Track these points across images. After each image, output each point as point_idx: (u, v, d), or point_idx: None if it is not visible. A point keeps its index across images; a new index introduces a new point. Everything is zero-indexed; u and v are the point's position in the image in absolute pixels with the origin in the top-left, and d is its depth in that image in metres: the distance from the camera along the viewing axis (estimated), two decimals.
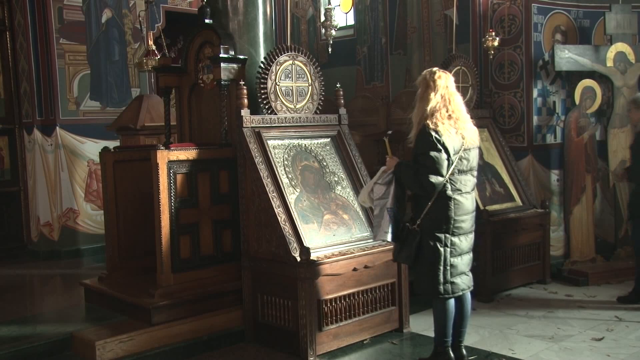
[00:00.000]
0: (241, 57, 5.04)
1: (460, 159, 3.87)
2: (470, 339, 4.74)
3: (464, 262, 3.99)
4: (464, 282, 4.00)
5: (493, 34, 6.30)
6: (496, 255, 5.82)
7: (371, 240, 4.85)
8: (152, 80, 8.06)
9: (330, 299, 4.50)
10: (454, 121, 3.90)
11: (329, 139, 5.20)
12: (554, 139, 6.74)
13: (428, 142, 3.77)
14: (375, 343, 4.72)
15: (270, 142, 4.82)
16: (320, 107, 5.17)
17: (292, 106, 5.00)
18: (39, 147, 7.34)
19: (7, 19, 7.54)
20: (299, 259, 4.33)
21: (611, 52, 6.56)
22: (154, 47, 6.51)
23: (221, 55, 4.88)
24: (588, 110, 6.53)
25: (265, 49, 5.26)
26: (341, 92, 5.32)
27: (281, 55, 4.91)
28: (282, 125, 4.93)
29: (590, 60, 6.54)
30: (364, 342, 4.71)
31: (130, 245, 5.30)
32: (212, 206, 4.89)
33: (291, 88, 4.99)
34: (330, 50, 5.61)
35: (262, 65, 4.89)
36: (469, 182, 3.96)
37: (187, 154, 4.73)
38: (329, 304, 4.49)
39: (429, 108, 3.87)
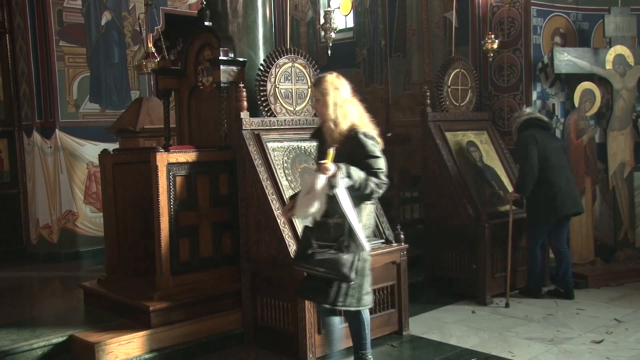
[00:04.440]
0: (241, 59, 5.04)
1: None
2: (470, 341, 4.75)
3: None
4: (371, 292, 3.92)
5: (492, 36, 6.31)
6: (495, 257, 5.81)
7: (370, 243, 4.84)
8: (152, 82, 8.06)
9: None
10: (372, 126, 3.85)
11: None
12: None
13: (374, 145, 3.72)
14: (374, 346, 4.70)
15: (270, 145, 4.82)
16: None
17: (291, 108, 5.00)
18: (38, 149, 7.35)
19: (6, 22, 7.54)
20: None
21: (610, 54, 6.56)
22: (153, 50, 6.52)
23: (221, 57, 4.88)
24: (587, 112, 6.54)
25: (264, 51, 5.26)
26: None
27: (281, 57, 4.92)
28: (282, 127, 4.93)
29: (589, 62, 6.55)
30: None
31: (129, 248, 5.30)
32: (211, 209, 4.88)
33: (290, 90, 5.00)
34: (329, 52, 5.61)
35: (261, 67, 4.89)
36: None
37: (187, 156, 4.73)
38: None
39: (356, 112, 3.81)
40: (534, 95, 6.64)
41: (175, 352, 4.45)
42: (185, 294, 4.66)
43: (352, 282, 3.68)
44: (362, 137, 3.72)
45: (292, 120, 4.98)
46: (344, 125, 3.75)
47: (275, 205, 4.52)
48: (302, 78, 5.06)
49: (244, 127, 4.74)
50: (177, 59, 5.62)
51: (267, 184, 4.59)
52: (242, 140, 4.73)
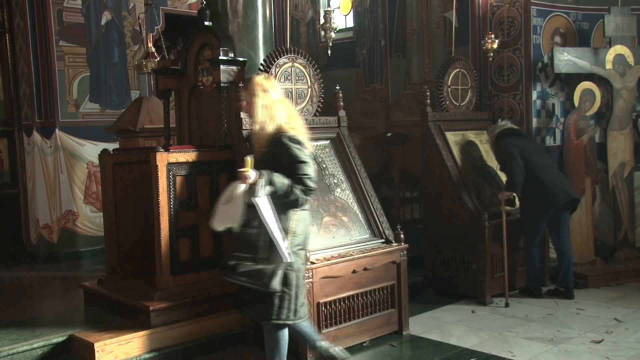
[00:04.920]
0: (241, 59, 5.04)
1: None
2: (470, 341, 4.75)
3: None
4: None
5: (492, 36, 6.32)
6: (495, 257, 5.81)
7: (371, 243, 4.86)
8: (152, 82, 8.06)
9: (330, 301, 4.49)
10: (302, 130, 3.74)
11: (328, 141, 5.20)
12: (553, 142, 6.75)
13: (300, 149, 3.59)
14: (374, 345, 4.72)
15: None
16: (319, 110, 5.17)
17: None
18: (38, 149, 7.34)
19: (6, 21, 7.54)
20: None
21: (610, 54, 6.56)
22: (153, 50, 6.52)
23: (221, 57, 4.88)
24: (587, 112, 6.54)
25: (264, 51, 5.26)
26: (340, 95, 5.32)
27: (281, 57, 4.92)
28: None
29: (589, 62, 6.55)
30: (364, 344, 4.70)
31: (129, 248, 5.30)
32: (211, 208, 4.87)
33: (290, 90, 4.99)
34: (329, 52, 5.61)
35: (261, 67, 4.89)
36: None
37: (187, 156, 4.72)
38: (328, 307, 4.49)
39: (282, 116, 3.67)
40: (534, 95, 6.64)
41: (175, 352, 4.45)
42: (185, 294, 4.66)
43: (280, 294, 3.55)
44: (286, 140, 3.59)
45: None
46: (270, 128, 3.63)
47: None
48: (302, 78, 5.06)
49: (243, 127, 4.73)
50: (177, 59, 5.62)
51: None
52: (242, 140, 4.72)
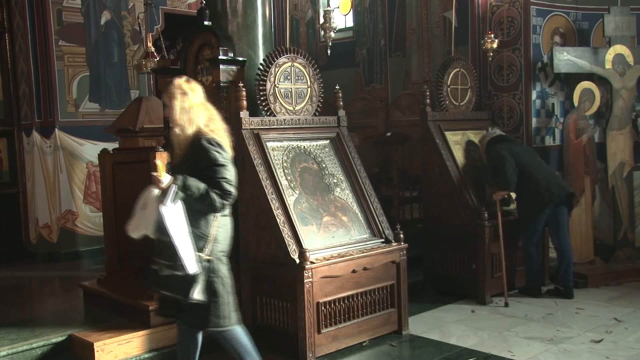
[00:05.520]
0: (240, 59, 5.04)
1: None
2: (469, 341, 4.75)
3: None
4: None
5: (492, 36, 6.32)
6: (495, 257, 5.81)
7: (370, 243, 4.86)
8: (151, 82, 8.06)
9: (329, 301, 4.50)
10: (223, 134, 3.62)
11: (328, 141, 5.20)
12: (552, 141, 6.75)
13: (219, 152, 3.48)
14: (374, 345, 4.72)
15: (269, 144, 4.82)
16: (319, 109, 5.18)
17: (291, 108, 5.00)
18: (37, 149, 7.34)
19: (6, 21, 7.54)
20: (297, 261, 4.33)
21: (610, 54, 6.56)
22: (153, 49, 6.51)
23: (220, 57, 4.88)
24: (587, 112, 6.54)
25: (264, 51, 5.26)
26: (340, 94, 5.32)
27: (280, 57, 4.92)
28: (281, 127, 4.93)
29: (588, 62, 6.55)
30: (363, 344, 4.70)
31: (129, 247, 5.29)
32: None
33: (290, 90, 4.99)
34: (329, 52, 5.61)
35: (261, 67, 4.89)
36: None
37: None
38: (327, 306, 4.49)
39: (201, 119, 3.55)
40: (534, 95, 6.65)
41: (174, 352, 4.43)
42: None
43: (208, 302, 3.46)
44: (205, 143, 3.48)
45: (291, 119, 4.98)
46: (189, 131, 3.53)
47: (274, 204, 4.53)
48: (302, 77, 5.06)
49: (243, 127, 4.74)
50: (177, 59, 5.63)
51: (266, 184, 4.60)
52: (241, 139, 4.72)
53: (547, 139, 6.74)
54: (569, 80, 6.78)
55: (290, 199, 4.67)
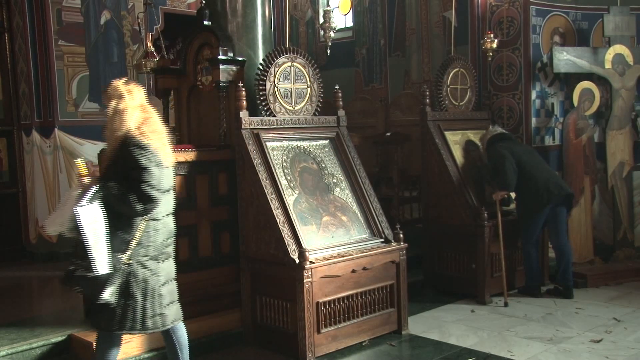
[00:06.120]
0: (240, 58, 5.04)
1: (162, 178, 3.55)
2: (469, 340, 4.75)
3: (172, 289, 3.69)
4: (173, 312, 3.65)
5: (492, 35, 6.32)
6: (494, 257, 5.82)
7: (370, 242, 4.86)
8: (151, 82, 8.06)
9: (329, 300, 4.50)
10: (157, 137, 3.56)
11: (327, 141, 5.20)
12: (552, 141, 6.76)
13: (142, 155, 3.42)
14: (373, 345, 4.72)
15: (269, 144, 4.82)
16: (319, 109, 5.18)
17: (290, 108, 5.00)
18: (37, 148, 7.34)
19: (5, 21, 7.53)
20: (297, 260, 4.33)
21: (609, 54, 6.57)
22: (152, 49, 6.52)
23: (220, 57, 4.88)
24: (586, 112, 6.54)
25: (264, 50, 5.26)
26: (340, 94, 5.32)
27: (280, 57, 4.91)
28: (281, 127, 4.93)
29: (588, 62, 6.55)
30: (363, 344, 4.70)
31: None
32: (210, 208, 4.88)
33: (290, 90, 4.99)
34: (328, 52, 5.61)
35: (260, 67, 4.89)
36: (171, 202, 3.72)
37: (186, 155, 4.72)
38: (327, 306, 4.49)
39: (133, 121, 3.50)
40: (533, 95, 6.65)
41: None
42: (184, 294, 4.60)
43: (120, 305, 3.42)
44: (131, 146, 3.44)
45: (291, 119, 4.98)
46: (119, 133, 3.49)
47: (274, 204, 4.53)
48: (302, 77, 5.06)
49: (243, 127, 4.74)
50: (177, 59, 5.62)
51: (266, 184, 4.60)
52: (241, 139, 4.72)
53: (547, 139, 6.74)
54: (568, 80, 6.79)
55: (289, 198, 4.67)
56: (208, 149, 4.94)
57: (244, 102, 4.76)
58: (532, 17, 6.61)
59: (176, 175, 4.64)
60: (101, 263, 3.30)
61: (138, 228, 3.47)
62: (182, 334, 3.74)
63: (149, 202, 3.40)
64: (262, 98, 4.86)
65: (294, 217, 4.57)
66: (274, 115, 4.91)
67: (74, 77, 7.50)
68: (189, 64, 5.30)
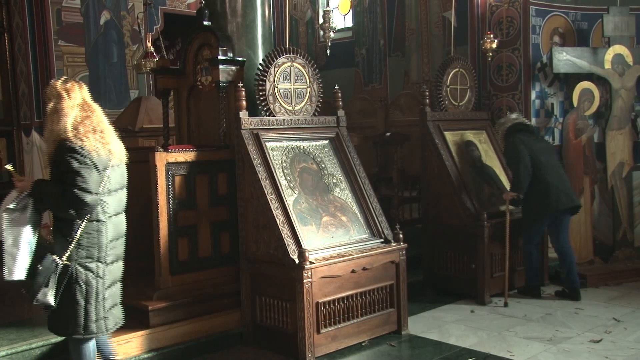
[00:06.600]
0: (239, 59, 5.04)
1: (109, 176, 3.50)
2: (469, 341, 4.75)
3: (116, 292, 3.64)
4: (118, 314, 3.63)
5: (491, 36, 6.32)
6: (494, 257, 5.82)
7: (370, 243, 4.86)
8: (151, 82, 8.06)
9: (329, 300, 4.49)
10: (99, 135, 3.48)
11: (327, 141, 5.20)
12: (552, 141, 6.75)
13: (74, 158, 3.35)
14: (373, 345, 4.72)
15: (269, 144, 4.82)
16: (318, 109, 5.18)
17: (290, 108, 5.00)
18: (37, 148, 7.33)
19: (5, 21, 7.53)
20: (297, 261, 4.33)
21: (609, 54, 6.57)
22: (152, 49, 6.52)
23: (219, 57, 4.88)
24: (586, 112, 6.55)
25: (263, 50, 5.26)
26: (339, 94, 5.32)
27: (279, 57, 4.91)
28: (281, 127, 4.93)
29: (588, 62, 6.55)
30: (363, 344, 4.70)
31: (127, 247, 5.27)
32: (210, 208, 4.88)
33: (289, 90, 4.99)
34: (328, 52, 5.61)
35: (260, 67, 4.89)
36: (122, 201, 3.66)
37: (186, 155, 4.72)
38: (327, 306, 4.49)
39: (69, 121, 3.42)
40: (533, 95, 6.65)
41: (174, 352, 4.45)
42: (184, 294, 4.65)
43: (61, 307, 3.42)
44: (63, 149, 3.38)
45: (291, 119, 4.98)
46: (55, 135, 3.45)
47: (274, 204, 4.53)
48: (301, 77, 5.06)
49: (242, 127, 4.74)
50: (176, 59, 5.62)
51: (266, 184, 4.59)
52: (241, 139, 4.72)
53: (547, 139, 6.74)
54: (568, 80, 6.79)
55: (289, 199, 4.67)
56: (208, 149, 4.94)
57: (244, 102, 4.76)
58: (531, 18, 6.61)
59: (176, 175, 4.66)
60: (12, 269, 3.34)
61: (78, 229, 3.41)
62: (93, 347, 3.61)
63: (81, 205, 3.33)
64: (261, 98, 4.86)
65: (293, 217, 4.57)
66: (274, 116, 4.91)
67: (73, 77, 7.48)
68: (189, 64, 5.29)
